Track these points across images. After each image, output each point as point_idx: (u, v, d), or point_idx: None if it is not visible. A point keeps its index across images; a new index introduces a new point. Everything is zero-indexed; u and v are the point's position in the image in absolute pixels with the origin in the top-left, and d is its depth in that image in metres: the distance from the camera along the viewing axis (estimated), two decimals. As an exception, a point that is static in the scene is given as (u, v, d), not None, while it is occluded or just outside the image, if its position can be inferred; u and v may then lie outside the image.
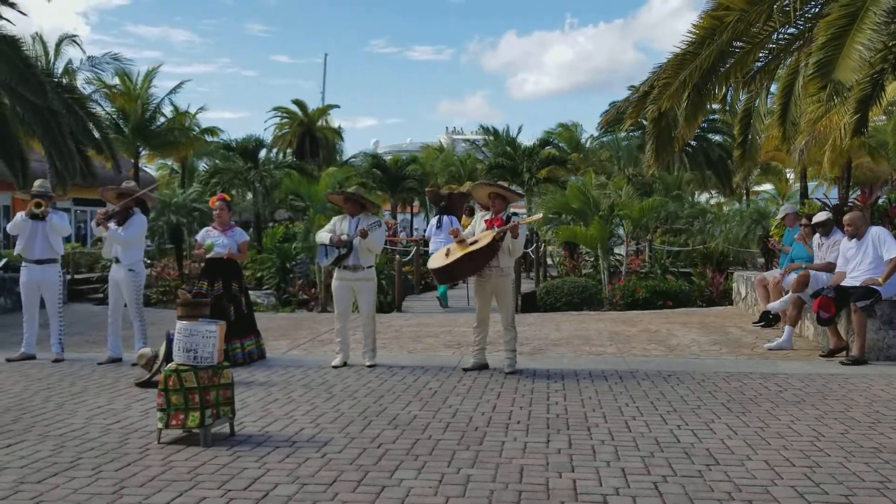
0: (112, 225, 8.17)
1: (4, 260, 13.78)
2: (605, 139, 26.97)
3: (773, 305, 9.63)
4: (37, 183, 8.83)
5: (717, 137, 28.20)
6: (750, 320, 11.17)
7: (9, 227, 8.72)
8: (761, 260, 17.75)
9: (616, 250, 19.30)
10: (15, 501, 3.94)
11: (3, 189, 21.45)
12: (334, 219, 8.33)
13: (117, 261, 8.33)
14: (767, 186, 39.09)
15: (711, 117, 26.06)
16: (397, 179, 33.83)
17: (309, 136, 36.07)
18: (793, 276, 9.19)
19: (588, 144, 30.15)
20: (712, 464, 4.56)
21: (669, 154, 12.02)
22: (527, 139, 31.38)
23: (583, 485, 4.18)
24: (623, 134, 23.47)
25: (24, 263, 8.58)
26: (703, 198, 31.51)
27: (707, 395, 6.46)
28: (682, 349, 9.01)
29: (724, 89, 10.11)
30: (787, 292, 9.31)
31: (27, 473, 4.40)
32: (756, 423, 5.50)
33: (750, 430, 5.33)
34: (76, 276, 17.53)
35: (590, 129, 32.71)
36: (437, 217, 15.33)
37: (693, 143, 25.99)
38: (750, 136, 11.37)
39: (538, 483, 4.21)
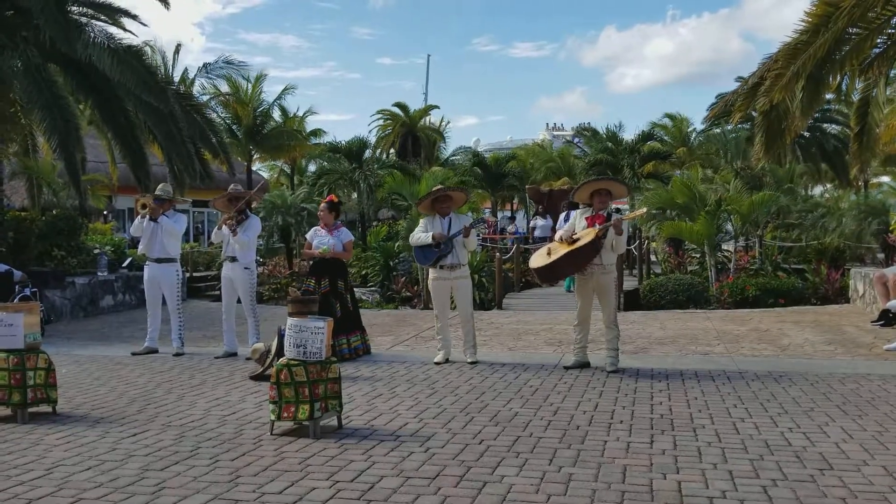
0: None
1: (129, 259, 14.66)
2: (711, 132, 26.16)
3: (893, 304, 9.15)
4: (159, 187, 9.35)
5: (832, 128, 26.86)
6: (868, 319, 10.63)
7: (131, 229, 9.28)
8: (881, 255, 16.83)
9: (724, 246, 18.72)
10: (140, 487, 4.22)
11: (127, 192, 22.75)
12: (423, 221, 8.35)
13: (233, 260, 8.72)
14: (886, 178, 36.91)
15: (826, 107, 24.86)
16: (497, 177, 33.82)
17: (411, 136, 36.60)
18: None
19: (693, 137, 29.34)
20: (826, 468, 4.40)
21: (780, 146, 11.60)
22: (628, 134, 30.77)
23: (688, 487, 4.12)
24: (730, 126, 22.70)
25: (146, 262, 9.12)
26: (817, 191, 30.12)
27: (821, 396, 6.22)
28: (795, 349, 8.69)
29: (838, 78, 9.68)
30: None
31: (151, 461, 4.69)
32: (874, 427, 5.26)
33: (867, 433, 5.11)
34: (194, 275, 18.41)
35: (695, 121, 31.60)
36: (564, 213, 15.34)
37: (806, 133, 24.86)
38: (868, 126, 10.83)
39: (642, 484, 4.17)
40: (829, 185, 31.30)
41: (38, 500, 4.01)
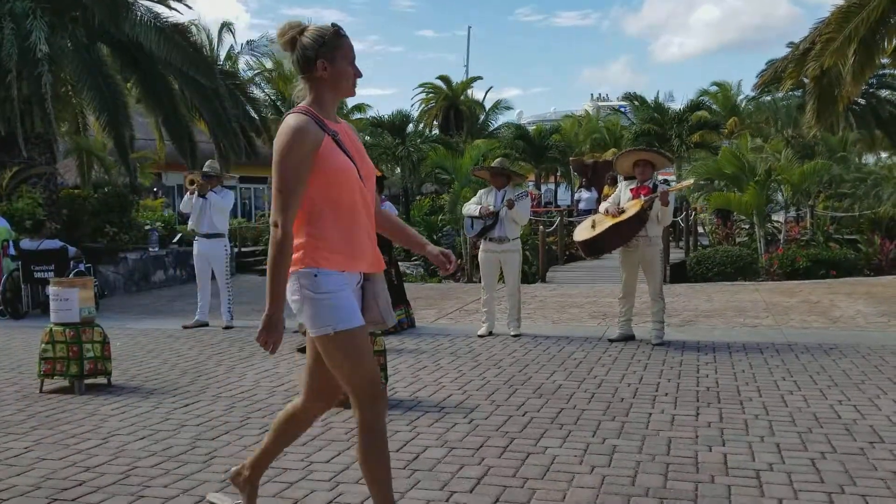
0: None
1: (179, 235, 14.95)
2: (761, 100, 25.55)
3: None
4: (207, 163, 9.50)
5: (888, 94, 26.01)
6: (924, 291, 10.37)
7: (180, 205, 9.44)
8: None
9: (774, 217, 18.37)
10: (192, 456, 4.33)
11: (176, 170, 23.14)
12: (480, 192, 8.48)
13: None
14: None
15: (880, 72, 24.04)
16: (541, 150, 33.50)
17: (453, 109, 36.48)
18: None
19: (743, 106, 28.68)
20: (876, 441, 4.33)
21: (833, 114, 11.30)
22: (675, 103, 30.26)
23: (734, 459, 4.08)
24: (781, 94, 22.14)
25: (195, 238, 9.30)
26: (870, 159, 29.28)
27: (872, 369, 6.10)
28: (846, 321, 8.51)
29: (894, 42, 9.37)
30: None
31: (202, 431, 4.81)
32: (928, 401, 5.15)
33: (920, 407, 5.00)
34: (242, 250, 18.68)
35: (745, 88, 30.85)
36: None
37: (860, 100, 24.11)
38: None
39: (686, 456, 4.15)
40: (883, 154, 30.44)
41: (95, 467, 4.15)
